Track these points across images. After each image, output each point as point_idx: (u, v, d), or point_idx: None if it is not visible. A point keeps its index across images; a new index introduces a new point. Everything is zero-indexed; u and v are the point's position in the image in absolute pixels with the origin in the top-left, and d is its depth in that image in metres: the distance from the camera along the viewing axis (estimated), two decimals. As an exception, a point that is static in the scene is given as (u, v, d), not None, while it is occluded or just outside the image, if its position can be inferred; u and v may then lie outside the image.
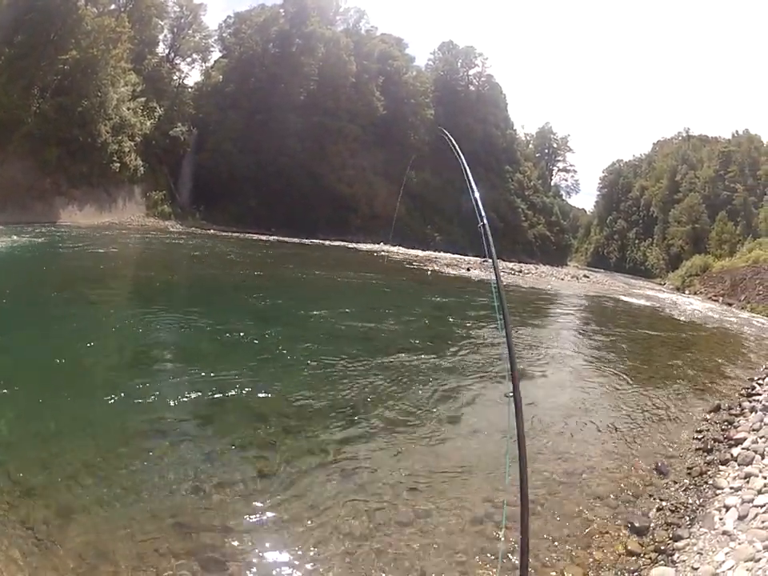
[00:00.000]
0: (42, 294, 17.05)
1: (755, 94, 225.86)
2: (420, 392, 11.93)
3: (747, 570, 6.15)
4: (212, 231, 53.53)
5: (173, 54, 70.88)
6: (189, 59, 73.54)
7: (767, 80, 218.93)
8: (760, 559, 6.24)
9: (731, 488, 8.46)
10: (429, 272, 42.40)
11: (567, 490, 8.38)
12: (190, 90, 71.16)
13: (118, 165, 52.43)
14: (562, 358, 17.47)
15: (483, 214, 4.87)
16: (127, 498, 6.63)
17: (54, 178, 46.80)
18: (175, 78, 69.84)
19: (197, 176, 64.12)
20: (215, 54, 75.61)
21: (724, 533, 7.15)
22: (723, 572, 6.29)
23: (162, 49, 70.33)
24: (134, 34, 57.16)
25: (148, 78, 61.88)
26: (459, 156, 5.28)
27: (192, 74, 72.97)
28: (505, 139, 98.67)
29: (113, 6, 59.54)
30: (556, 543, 6.94)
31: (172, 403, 9.42)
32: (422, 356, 14.80)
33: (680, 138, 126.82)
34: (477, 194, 4.97)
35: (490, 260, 4.39)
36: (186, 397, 9.74)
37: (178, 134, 62.09)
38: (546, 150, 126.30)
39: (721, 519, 7.58)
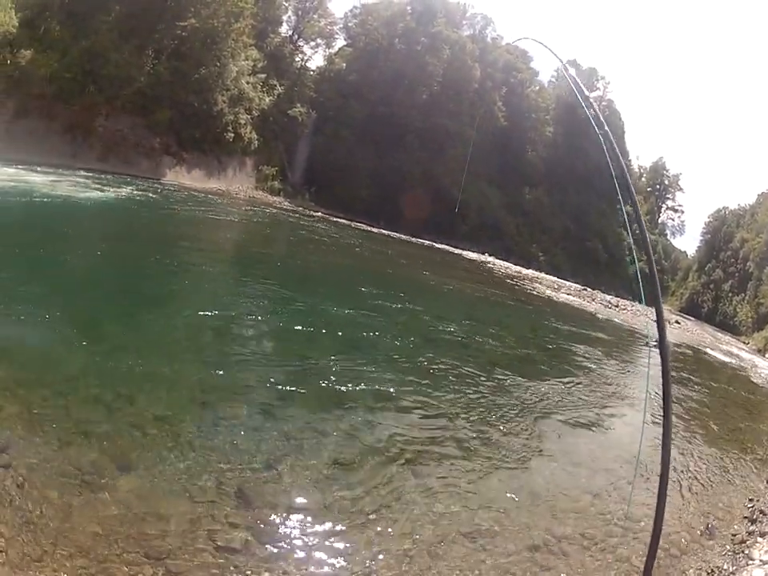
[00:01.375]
0: (143, 253, 17.53)
1: None
2: (506, 410, 12.03)
3: None
4: (319, 213, 53.78)
5: (296, 36, 71.75)
6: (312, 43, 74.31)
7: None
8: None
9: (761, 560, 8.53)
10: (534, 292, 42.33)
11: (623, 533, 8.28)
12: (311, 73, 71.79)
13: (233, 135, 53.48)
14: (633, 401, 17.11)
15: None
16: (192, 457, 6.75)
17: (164, 138, 48.26)
18: (297, 59, 70.67)
19: (311, 158, 64.87)
20: (339, 42, 76.30)
21: None
22: None
23: (285, 29, 71.25)
24: (256, 11, 58.15)
25: (270, 56, 62.75)
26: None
27: (315, 59, 73.62)
28: (618, 166, 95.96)
29: None
30: None
31: (256, 376, 9.59)
32: (510, 374, 14.87)
33: None
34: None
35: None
36: (273, 372, 9.86)
37: (296, 113, 62.80)
38: (658, 186, 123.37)
39: None
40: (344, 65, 71.66)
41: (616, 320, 41.35)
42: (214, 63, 50.70)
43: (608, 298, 57.36)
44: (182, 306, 12.80)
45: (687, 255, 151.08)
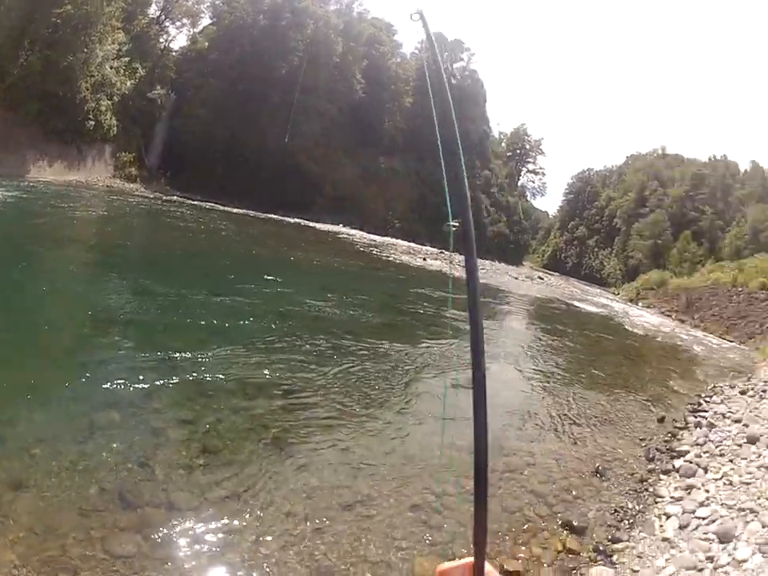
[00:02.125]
0: None
1: (735, 121, 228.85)
2: (369, 377, 12.12)
3: None
4: (175, 198, 52.12)
5: (164, 17, 69.25)
6: (179, 23, 71.72)
7: (748, 109, 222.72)
8: (703, 569, 6.72)
9: (672, 497, 8.97)
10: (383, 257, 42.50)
11: (508, 485, 8.70)
12: (174, 53, 69.58)
13: (93, 123, 51.39)
14: (510, 357, 17.74)
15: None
16: (76, 471, 6.68)
17: (31, 131, 45.75)
18: (162, 40, 68.38)
19: (169, 141, 62.97)
20: (205, 21, 73.93)
21: (664, 539, 7.66)
22: None
23: (153, 10, 68.35)
24: None
25: (136, 38, 60.34)
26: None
27: (179, 39, 71.64)
28: (478, 135, 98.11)
29: None
30: (496, 537, 7.20)
31: (121, 375, 9.27)
32: (370, 342, 14.90)
33: (654, 154, 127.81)
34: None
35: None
36: (135, 369, 9.68)
37: (155, 96, 60.89)
38: (518, 151, 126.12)
39: (661, 526, 8.09)
40: (207, 44, 69.69)
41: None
42: (82, 50, 48.41)
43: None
44: (37, 312, 11.97)
45: (549, 215, 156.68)
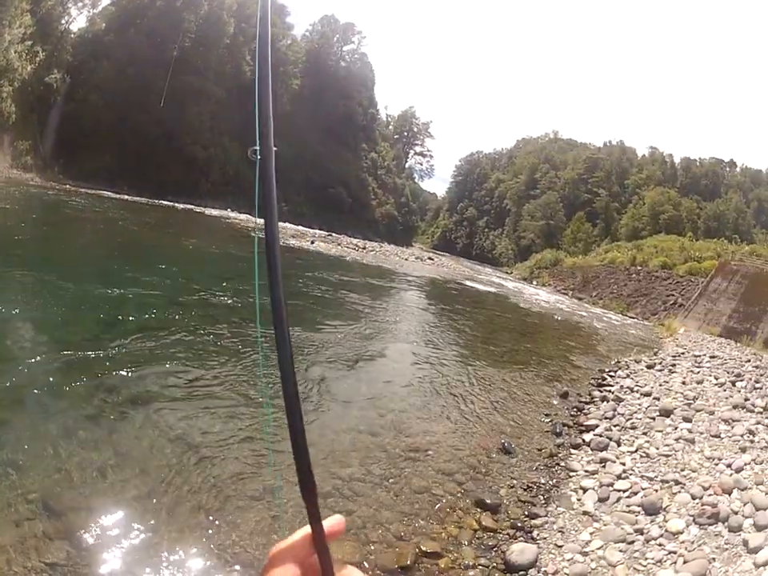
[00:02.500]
0: None
1: (630, 109, 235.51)
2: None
3: (620, 551, 6.69)
4: (68, 187, 50.53)
5: (68, -2, 67.15)
6: (80, 3, 69.14)
7: (644, 95, 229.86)
8: (634, 542, 6.87)
9: (586, 471, 9.17)
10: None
11: (413, 465, 8.50)
12: (72, 35, 66.76)
13: None
14: (403, 336, 17.82)
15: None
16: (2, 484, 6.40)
17: None
18: (63, 21, 65.56)
19: (62, 127, 60.36)
20: (106, 2, 71.83)
21: (585, 513, 7.78)
22: (592, 551, 6.76)
23: (62, -9, 66.23)
24: None
25: (41, 20, 58.08)
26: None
27: (80, 20, 69.05)
28: (366, 118, 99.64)
29: None
30: (408, 518, 7.14)
31: (22, 376, 8.87)
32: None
33: (546, 138, 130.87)
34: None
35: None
36: (37, 369, 9.17)
37: (52, 81, 58.68)
38: (406, 133, 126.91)
39: (579, 500, 8.19)
40: (104, 25, 67.47)
41: (364, 261, 42.53)
42: None
43: (354, 241, 58.45)
44: None
45: (437, 197, 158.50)
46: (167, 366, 10.42)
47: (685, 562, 6.15)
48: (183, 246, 29.18)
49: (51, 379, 8.84)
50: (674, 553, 6.43)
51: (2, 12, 47.36)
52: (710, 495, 7.58)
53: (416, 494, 7.72)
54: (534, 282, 62.48)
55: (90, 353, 10.13)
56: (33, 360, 9.41)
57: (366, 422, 9.79)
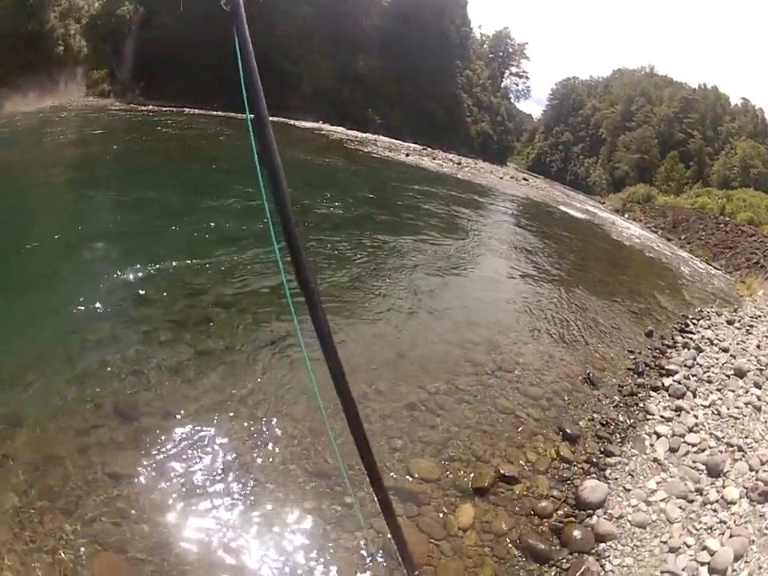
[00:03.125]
0: None
1: (725, 55, 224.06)
2: (370, 272, 12.04)
3: (680, 507, 6.59)
4: (150, 107, 51.58)
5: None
6: None
7: (740, 45, 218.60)
8: (693, 501, 6.73)
9: (662, 417, 8.81)
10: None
11: (499, 384, 8.49)
12: None
13: (62, 48, 50.43)
14: (499, 252, 17.63)
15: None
16: (69, 390, 6.43)
17: (5, 69, 44.68)
18: None
19: (139, 53, 60.51)
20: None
21: (655, 460, 7.54)
22: (655, 502, 6.67)
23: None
24: None
25: None
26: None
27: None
28: (459, 35, 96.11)
29: None
30: (490, 438, 7.12)
31: (107, 285, 9.09)
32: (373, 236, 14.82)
33: (642, 72, 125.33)
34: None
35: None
36: (121, 277, 9.42)
37: (124, 12, 59.39)
38: (501, 53, 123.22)
39: (651, 445, 7.96)
40: (172, -46, 67.23)
41: (459, 176, 41.70)
42: None
43: (449, 156, 57.39)
44: (22, 233, 11.38)
45: (533, 118, 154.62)
46: (255, 276, 10.44)
47: (731, 536, 6.05)
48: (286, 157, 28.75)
49: (138, 288, 9.20)
50: (724, 523, 6.34)
51: None
52: (765, 471, 7.25)
53: (500, 413, 7.77)
54: (626, 215, 59.95)
55: (177, 263, 10.29)
56: (122, 270, 9.68)
57: (457, 334, 9.88)
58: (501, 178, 54.24)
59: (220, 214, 14.14)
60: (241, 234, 12.71)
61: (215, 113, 51.14)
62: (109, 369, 6.87)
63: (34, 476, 5.30)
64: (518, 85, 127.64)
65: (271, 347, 7.96)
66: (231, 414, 6.47)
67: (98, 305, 8.46)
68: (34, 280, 9.55)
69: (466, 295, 12.24)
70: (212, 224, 13.14)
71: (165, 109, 50.24)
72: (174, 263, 10.15)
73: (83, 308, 8.37)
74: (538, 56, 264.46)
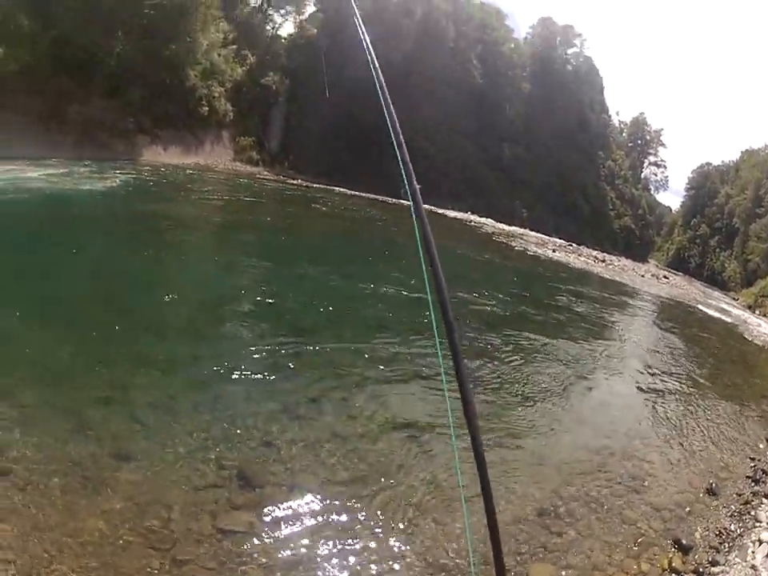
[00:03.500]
0: (141, 234, 17.28)
1: None
2: (517, 374, 12.15)
3: None
4: (299, 181, 53.51)
5: (265, 5, 70.85)
6: (282, 11, 73.15)
7: None
8: None
9: None
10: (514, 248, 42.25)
11: (627, 495, 8.49)
12: (283, 41, 71.02)
13: (207, 109, 53.19)
14: (642, 357, 17.66)
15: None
16: (191, 442, 6.64)
17: (138, 118, 47.69)
18: (268, 28, 70.29)
19: (286, 126, 63.90)
20: (309, 9, 74.62)
21: (752, 567, 7.37)
22: None
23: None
24: None
25: (240, 26, 62.30)
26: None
27: (285, 26, 72.76)
28: (599, 123, 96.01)
29: None
30: (610, 548, 7.06)
31: (250, 351, 9.40)
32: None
33: (766, 150, 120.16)
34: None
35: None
36: (267, 346, 9.69)
37: (269, 82, 62.06)
38: (639, 141, 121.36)
39: (752, 552, 7.75)
40: (315, 30, 70.31)
41: (601, 274, 41.57)
42: (184, 38, 50.37)
43: (593, 253, 57.34)
44: (173, 287, 12.31)
45: (672, 211, 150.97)
46: (404, 364, 10.69)
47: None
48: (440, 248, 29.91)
49: (277, 360, 9.45)
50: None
51: (188, 17, 50.25)
52: None
53: (624, 524, 7.72)
54: (757, 311, 57.41)
55: (327, 341, 10.69)
56: (268, 338, 10.22)
57: (597, 440, 10.10)
58: (642, 276, 53.90)
59: (376, 300, 14.73)
60: (395, 324, 13.18)
61: (365, 194, 53.38)
62: (239, 432, 7.05)
63: (131, 510, 5.43)
64: (656, 175, 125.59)
65: (413, 439, 8.10)
66: (360, 502, 6.47)
67: (238, 367, 8.73)
68: (179, 330, 10.19)
69: (608, 401, 12.44)
70: (368, 310, 13.72)
71: (315, 185, 52.20)
72: (325, 342, 10.45)
73: (222, 367, 8.70)
74: (672, 141, 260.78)
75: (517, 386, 11.50)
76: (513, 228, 61.56)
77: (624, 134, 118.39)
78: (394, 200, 53.65)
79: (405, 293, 15.81)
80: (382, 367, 10.21)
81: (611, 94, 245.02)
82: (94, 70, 44.78)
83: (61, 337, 8.81)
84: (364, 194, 53.12)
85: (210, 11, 53.20)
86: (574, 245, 59.19)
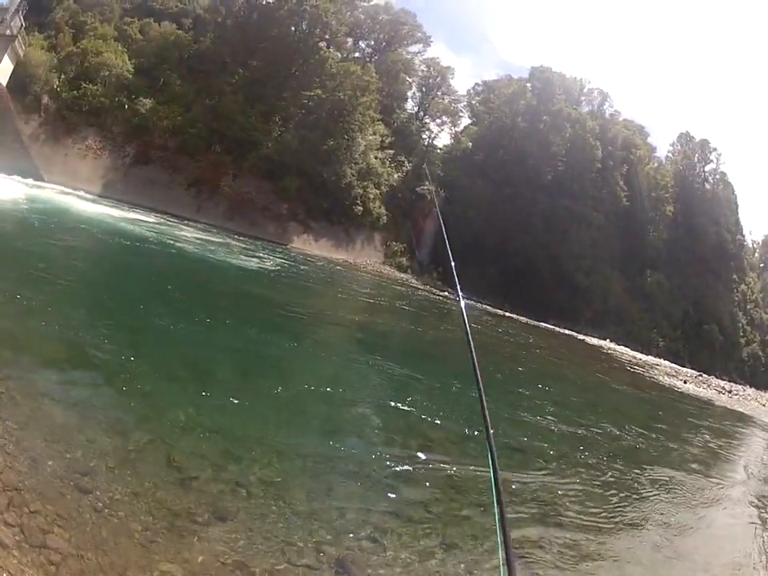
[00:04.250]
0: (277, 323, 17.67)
1: None
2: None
3: None
4: (446, 293, 53.44)
5: (422, 113, 73.15)
6: (438, 120, 75.26)
7: None
8: None
9: None
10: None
11: None
12: (438, 151, 72.84)
13: (361, 208, 55.02)
14: (748, 488, 16.26)
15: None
16: (295, 521, 6.52)
17: (292, 205, 50.23)
18: (425, 136, 71.91)
19: (438, 237, 64.32)
20: (464, 120, 76.94)
21: None
22: None
23: (410, 106, 72.97)
24: (381, 86, 59.87)
25: (397, 131, 64.35)
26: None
27: (441, 136, 74.67)
28: (734, 245, 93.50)
29: (357, 55, 64.59)
30: None
31: (370, 451, 9.39)
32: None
33: None
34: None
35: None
36: (386, 449, 9.60)
37: (425, 192, 62.70)
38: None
39: None
40: (470, 144, 72.00)
41: (726, 405, 40.17)
42: (342, 136, 52.69)
43: (721, 384, 55.66)
44: (305, 378, 12.42)
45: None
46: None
47: None
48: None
49: (396, 464, 9.17)
50: None
51: (348, 116, 52.77)
52: None
53: None
54: None
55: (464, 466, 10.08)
56: (382, 443, 9.99)
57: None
58: (764, 405, 52.10)
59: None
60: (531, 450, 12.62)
61: (508, 314, 54.13)
62: (344, 521, 6.93)
63: (212, 566, 5.32)
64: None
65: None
66: None
67: (356, 461, 8.74)
68: (301, 412, 10.39)
69: (714, 534, 11.40)
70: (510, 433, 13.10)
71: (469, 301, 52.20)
72: (448, 464, 9.99)
73: (340, 461, 8.65)
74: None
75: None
76: (648, 357, 61.01)
77: (756, 254, 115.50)
78: (538, 323, 55.93)
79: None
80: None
81: (744, 212, 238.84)
82: (250, 150, 47.85)
83: (188, 395, 9.30)
84: (508, 314, 54.07)
85: (368, 112, 55.61)
86: (703, 375, 58.40)
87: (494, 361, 23.67)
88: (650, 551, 9.56)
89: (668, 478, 14.48)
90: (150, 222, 31.19)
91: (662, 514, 11.76)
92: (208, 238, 32.10)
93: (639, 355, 59.90)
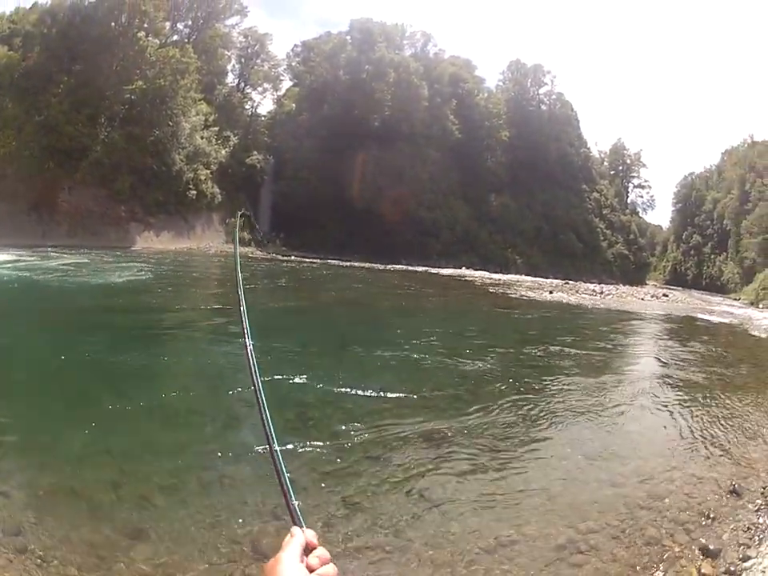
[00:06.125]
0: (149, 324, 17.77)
1: None
2: (517, 417, 11.84)
3: None
4: (293, 258, 54.06)
5: (243, 84, 73.36)
6: (260, 88, 75.85)
7: None
8: None
9: None
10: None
11: (649, 515, 8.23)
12: (263, 118, 73.34)
13: (195, 192, 54.66)
14: (641, 380, 17.21)
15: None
16: (203, 519, 6.73)
17: (129, 205, 49.52)
18: (248, 107, 72.37)
19: (275, 204, 65.40)
20: (286, 83, 77.60)
21: None
22: None
23: (231, 79, 73.12)
24: (200, 65, 59.36)
25: (220, 107, 64.12)
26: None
27: (264, 103, 74.66)
28: (579, 157, 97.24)
29: (175, 38, 62.82)
30: (635, 571, 6.89)
31: (254, 428, 8.96)
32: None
33: (745, 144, 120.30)
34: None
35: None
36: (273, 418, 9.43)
37: (254, 161, 63.45)
38: (620, 167, 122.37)
39: None
40: (293, 105, 72.55)
41: (602, 306, 41.56)
42: (167, 123, 52.09)
43: (591, 286, 56.22)
44: (177, 372, 12.70)
45: (662, 228, 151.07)
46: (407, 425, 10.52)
47: None
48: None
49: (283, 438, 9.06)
50: None
51: (170, 102, 52.51)
52: None
53: (647, 545, 7.46)
54: (761, 306, 57.77)
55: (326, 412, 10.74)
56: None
57: (608, 471, 9.70)
58: (642, 299, 53.73)
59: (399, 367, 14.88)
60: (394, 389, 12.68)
61: (357, 264, 53.82)
62: (248, 508, 7.11)
63: None
64: (642, 197, 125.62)
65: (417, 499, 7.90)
66: (376, 565, 6.38)
67: (241, 445, 8.84)
68: (179, 410, 10.40)
69: (613, 429, 12.15)
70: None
71: (307, 260, 52.94)
72: (322, 414, 10.61)
73: (226, 444, 8.89)
74: (655, 157, 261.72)
75: (520, 431, 11.23)
76: (508, 276, 61.88)
77: (605, 163, 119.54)
78: (382, 266, 54.70)
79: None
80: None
81: (587, 126, 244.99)
82: (81, 158, 46.51)
83: (71, 424, 9.23)
84: (359, 264, 53.63)
85: (189, 94, 54.98)
86: (570, 282, 59.15)
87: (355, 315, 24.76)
88: (561, 456, 10.13)
89: (560, 382, 15.13)
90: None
91: (565, 417, 12.31)
92: (75, 261, 30.99)
93: (498, 275, 61.03)
